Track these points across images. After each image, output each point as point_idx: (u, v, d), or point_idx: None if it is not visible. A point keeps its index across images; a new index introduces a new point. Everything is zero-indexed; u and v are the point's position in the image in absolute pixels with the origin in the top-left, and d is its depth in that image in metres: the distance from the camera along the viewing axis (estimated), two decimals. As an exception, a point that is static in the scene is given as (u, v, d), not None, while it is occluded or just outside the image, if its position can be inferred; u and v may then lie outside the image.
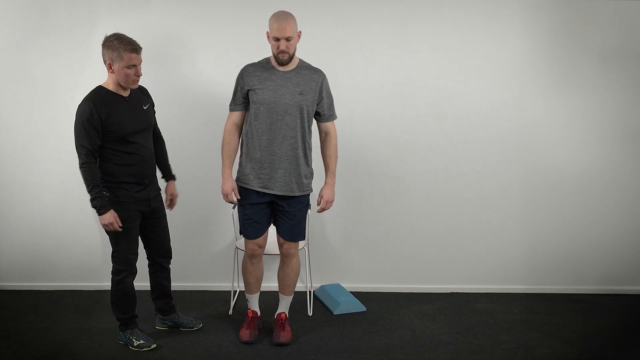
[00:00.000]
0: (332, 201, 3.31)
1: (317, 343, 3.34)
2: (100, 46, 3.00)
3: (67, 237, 4.07)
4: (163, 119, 3.36)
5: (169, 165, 3.41)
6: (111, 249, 3.16)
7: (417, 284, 4.14)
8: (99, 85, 3.06)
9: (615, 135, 3.99)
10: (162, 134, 3.39)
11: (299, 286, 3.85)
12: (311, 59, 3.92)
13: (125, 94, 3.08)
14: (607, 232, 4.08)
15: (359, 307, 3.80)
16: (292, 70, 3.17)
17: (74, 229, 4.06)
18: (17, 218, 4.05)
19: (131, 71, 2.99)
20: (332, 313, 3.76)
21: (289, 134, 3.14)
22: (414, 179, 4.04)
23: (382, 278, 4.14)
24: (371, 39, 3.90)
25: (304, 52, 3.89)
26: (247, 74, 3.16)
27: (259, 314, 3.48)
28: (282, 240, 3.31)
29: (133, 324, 3.26)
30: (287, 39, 3.04)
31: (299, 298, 3.86)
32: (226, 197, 3.23)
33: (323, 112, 3.22)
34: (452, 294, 4.11)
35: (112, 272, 3.17)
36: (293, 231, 3.30)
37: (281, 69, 3.15)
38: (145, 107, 3.17)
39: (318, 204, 3.32)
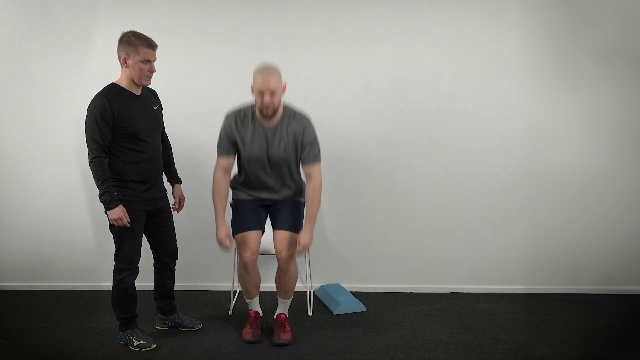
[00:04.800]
0: (308, 247, 3.19)
1: (317, 343, 3.34)
2: (117, 42, 3.03)
3: (67, 237, 4.07)
4: (164, 119, 3.36)
5: (175, 169, 3.45)
6: (114, 248, 3.16)
7: (417, 284, 4.14)
8: (112, 82, 3.08)
9: (615, 135, 3.99)
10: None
11: (299, 286, 3.86)
12: (311, 58, 3.93)
13: (137, 92, 3.11)
14: (607, 232, 4.08)
15: (359, 307, 3.80)
16: (275, 126, 3.16)
17: (74, 229, 4.06)
18: (17, 218, 4.05)
19: (146, 66, 3.03)
20: (332, 313, 3.75)
21: (277, 180, 3.27)
22: (413, 178, 4.04)
23: (382, 278, 4.14)
24: (371, 38, 3.90)
25: (304, 51, 3.91)
26: (233, 126, 3.18)
27: (261, 313, 3.47)
28: (278, 244, 3.24)
29: (133, 324, 3.26)
30: (272, 93, 3.02)
31: (299, 298, 3.87)
32: (221, 243, 3.23)
33: (302, 157, 3.22)
34: (452, 294, 4.11)
35: (114, 271, 3.17)
36: (290, 221, 3.27)
37: (265, 124, 3.15)
38: (155, 108, 3.21)
39: None
